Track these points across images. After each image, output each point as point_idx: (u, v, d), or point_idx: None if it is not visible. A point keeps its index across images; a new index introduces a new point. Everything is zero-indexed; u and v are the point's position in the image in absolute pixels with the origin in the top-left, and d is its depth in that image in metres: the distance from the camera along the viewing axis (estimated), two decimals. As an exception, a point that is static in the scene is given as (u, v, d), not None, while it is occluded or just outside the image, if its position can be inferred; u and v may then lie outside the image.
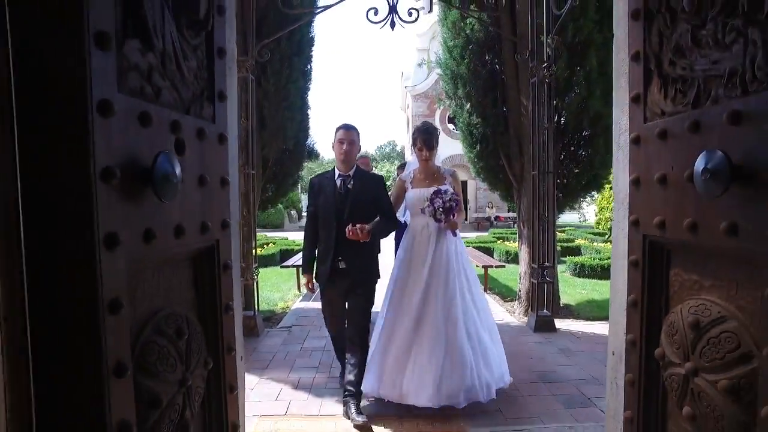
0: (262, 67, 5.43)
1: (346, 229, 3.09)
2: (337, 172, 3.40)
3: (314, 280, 3.63)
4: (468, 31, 6.13)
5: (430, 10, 4.59)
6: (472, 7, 5.90)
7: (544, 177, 5.38)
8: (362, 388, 3.45)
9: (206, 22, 1.77)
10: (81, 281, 1.19)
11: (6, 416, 1.10)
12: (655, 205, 1.89)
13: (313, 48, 6.46)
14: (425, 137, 3.47)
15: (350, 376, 3.39)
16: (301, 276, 3.70)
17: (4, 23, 1.08)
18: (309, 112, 6.47)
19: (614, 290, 2.28)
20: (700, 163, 1.53)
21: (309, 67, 6.41)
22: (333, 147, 3.38)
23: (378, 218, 3.33)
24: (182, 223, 1.61)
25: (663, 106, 1.86)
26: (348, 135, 3.33)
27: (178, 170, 1.47)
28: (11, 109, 1.11)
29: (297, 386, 3.95)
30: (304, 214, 4.16)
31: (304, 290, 6.93)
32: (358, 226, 3.08)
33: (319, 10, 5.34)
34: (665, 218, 1.83)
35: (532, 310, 5.46)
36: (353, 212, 3.25)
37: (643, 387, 2.04)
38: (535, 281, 5.36)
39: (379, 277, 3.49)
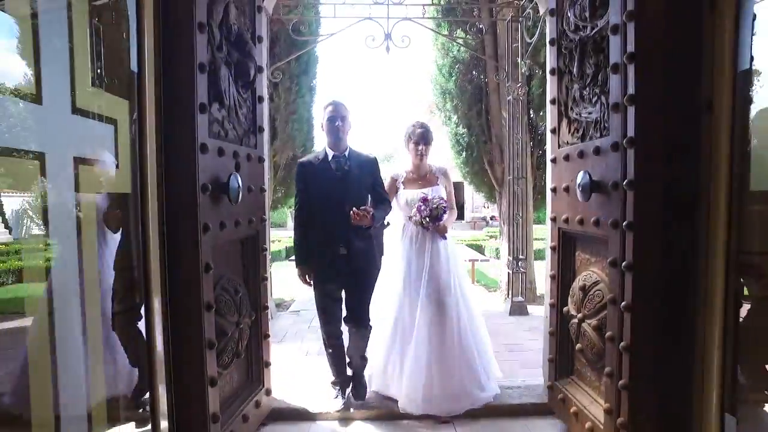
0: (274, 85, 6.24)
1: (351, 213, 2.77)
2: (330, 153, 2.99)
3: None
4: (455, 52, 6.97)
5: (407, 45, 5.31)
6: (458, 32, 6.72)
7: (519, 182, 6.18)
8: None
9: (253, 82, 2.59)
10: (191, 251, 2.01)
11: (155, 331, 1.89)
12: (563, 206, 2.71)
13: (317, 66, 7.30)
14: (422, 131, 3.30)
15: (355, 366, 3.22)
16: (296, 269, 3.14)
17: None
18: (314, 122, 7.28)
19: (546, 270, 3.08)
20: (578, 179, 2.35)
21: (314, 83, 7.24)
22: (322, 127, 3.02)
23: (373, 200, 3.12)
24: (239, 218, 2.43)
25: (567, 138, 2.68)
26: (338, 110, 2.97)
27: (240, 184, 2.28)
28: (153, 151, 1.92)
29: (308, 353, 4.73)
30: None
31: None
32: (363, 208, 2.82)
33: (322, 38, 6.12)
34: (568, 216, 2.64)
35: (508, 296, 6.27)
36: (352, 195, 2.93)
37: (558, 336, 2.86)
38: (510, 272, 6.17)
39: (379, 269, 3.21)
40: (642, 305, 2.01)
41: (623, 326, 2.08)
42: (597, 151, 2.27)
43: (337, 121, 2.95)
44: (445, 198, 3.29)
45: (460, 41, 6.79)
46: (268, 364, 2.90)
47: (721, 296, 1.78)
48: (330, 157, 3.00)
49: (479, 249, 12.97)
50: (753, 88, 1.72)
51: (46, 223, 1.39)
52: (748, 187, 1.71)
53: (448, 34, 6.98)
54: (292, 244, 3.04)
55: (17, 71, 1.29)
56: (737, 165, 1.73)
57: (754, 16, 1.67)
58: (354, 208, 2.80)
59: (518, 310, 6.00)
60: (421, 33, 6.62)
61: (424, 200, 3.16)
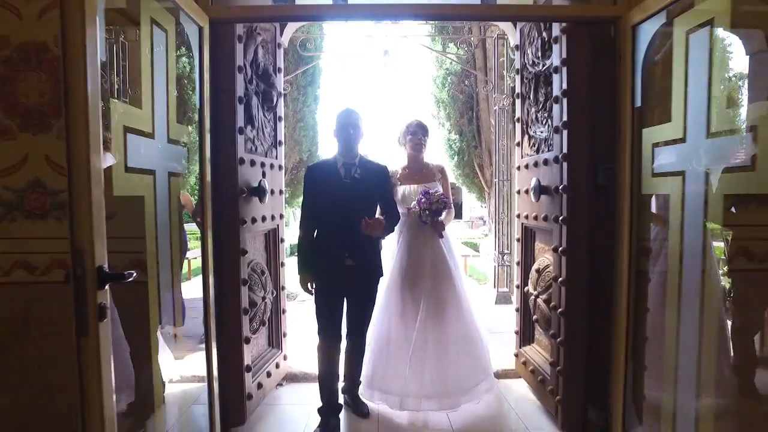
0: (283, 96, 6.90)
1: (363, 222, 2.69)
2: (340, 160, 2.88)
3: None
4: (448, 65, 7.61)
5: (385, 65, 5.90)
6: (451, 46, 7.36)
7: (504, 184, 6.81)
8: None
9: (276, 106, 3.23)
10: (233, 239, 2.65)
11: (210, 300, 2.52)
12: (525, 205, 3.34)
13: (322, 77, 7.95)
14: (417, 122, 3.26)
15: (347, 378, 3.15)
16: (298, 275, 2.94)
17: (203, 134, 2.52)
18: (319, 129, 7.95)
19: (513, 258, 3.71)
20: (531, 183, 2.99)
21: (319, 93, 7.89)
22: (334, 134, 2.92)
23: (382, 212, 3.02)
24: (265, 214, 3.07)
25: (527, 150, 3.32)
26: (351, 118, 2.88)
27: (266, 187, 2.92)
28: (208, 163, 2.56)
29: (316, 333, 5.37)
30: None
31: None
32: (375, 219, 2.77)
33: (326, 53, 6.76)
34: (528, 213, 3.28)
35: (495, 287, 6.90)
36: (361, 204, 2.83)
37: (522, 312, 3.49)
38: (497, 265, 6.81)
39: (381, 275, 3.08)
40: (574, 280, 2.65)
41: (561, 297, 2.72)
42: (545, 162, 2.91)
43: (349, 128, 2.85)
44: (446, 197, 3.18)
45: (452, 56, 7.44)
46: (285, 334, 3.54)
47: (627, 271, 2.42)
48: (340, 164, 2.88)
49: (474, 246, 13.61)
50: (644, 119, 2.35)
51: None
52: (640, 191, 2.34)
53: (442, 49, 7.63)
54: (297, 242, 2.96)
55: (145, 119, 1.93)
56: (636, 176, 2.36)
57: (644, 66, 2.30)
58: (366, 218, 2.72)
59: (503, 299, 6.64)
60: (417, 48, 7.27)
61: (426, 193, 3.06)
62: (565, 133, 2.61)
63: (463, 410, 3.04)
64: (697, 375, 2.03)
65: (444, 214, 3.16)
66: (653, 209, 2.41)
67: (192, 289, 3.40)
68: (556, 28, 2.69)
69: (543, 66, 2.99)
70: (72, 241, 1.45)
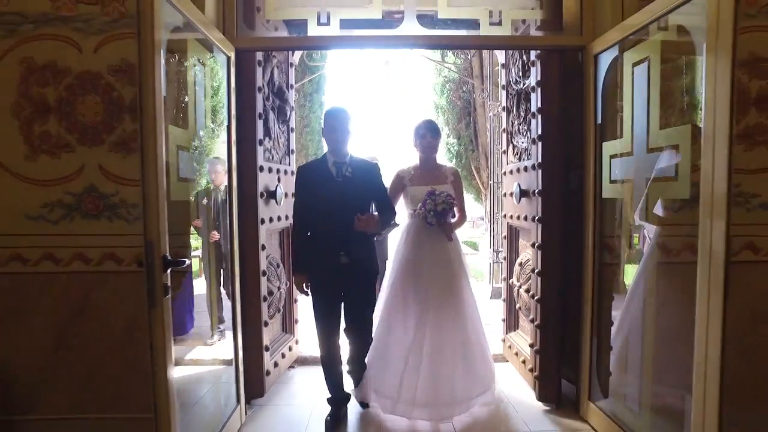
0: (289, 102, 7.39)
1: (356, 218, 2.71)
2: (330, 159, 2.89)
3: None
4: (446, 73, 8.03)
5: (387, 74, 6.29)
6: (450, 54, 7.79)
7: (498, 186, 7.22)
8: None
9: (289, 119, 3.66)
10: (254, 236, 3.08)
11: (237, 288, 2.95)
12: (510, 207, 3.76)
13: (326, 85, 8.39)
14: (428, 122, 3.18)
15: (354, 365, 3.14)
16: (293, 276, 3.19)
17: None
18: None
19: (501, 254, 4.13)
20: (514, 188, 3.41)
21: (324, 99, 8.32)
22: (323, 133, 2.93)
23: (377, 210, 3.01)
24: (279, 214, 3.50)
25: (511, 158, 3.73)
26: (338, 116, 2.87)
27: (281, 191, 3.35)
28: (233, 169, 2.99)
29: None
30: None
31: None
32: (367, 214, 2.77)
33: (331, 63, 7.20)
34: (512, 213, 3.70)
35: (490, 283, 7.32)
36: (354, 202, 2.83)
37: (508, 302, 3.91)
38: (491, 262, 7.22)
39: (378, 273, 3.09)
40: (548, 272, 3.07)
41: (538, 286, 3.13)
42: (525, 169, 3.33)
43: (338, 127, 2.86)
44: (454, 197, 3.07)
45: (450, 64, 7.86)
46: (297, 321, 3.97)
47: (591, 263, 2.83)
48: (330, 163, 2.90)
49: (474, 246, 14.03)
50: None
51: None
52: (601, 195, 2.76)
53: (440, 58, 8.05)
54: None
55: (189, 138, 2.36)
56: (598, 182, 2.78)
57: (604, 89, 2.72)
58: (358, 215, 2.74)
59: (497, 294, 7.06)
60: (417, 57, 7.70)
61: (431, 194, 2.97)
62: (540, 144, 3.03)
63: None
64: (639, 352, 2.46)
65: (453, 216, 3.10)
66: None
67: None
68: (533, 54, 3.11)
69: (524, 84, 3.41)
70: (144, 237, 1.86)
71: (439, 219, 2.98)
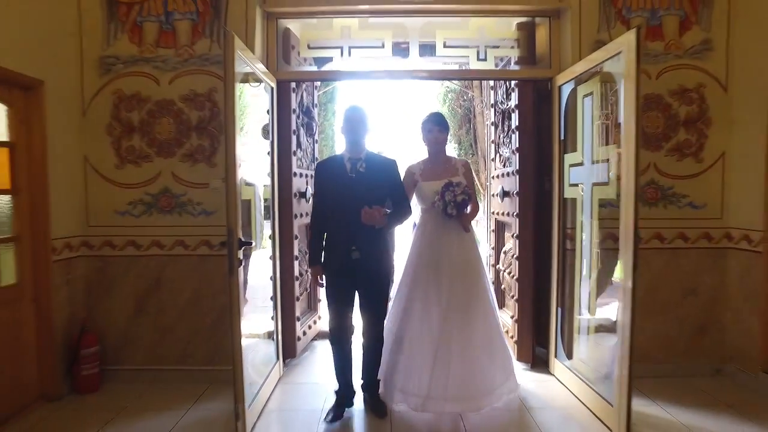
0: (305, 111, 8.21)
1: (362, 211, 2.76)
2: (347, 156, 2.97)
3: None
4: (447, 83, 8.78)
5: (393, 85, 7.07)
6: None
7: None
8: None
9: (314, 133, 4.45)
10: (289, 228, 3.86)
11: (277, 269, 3.72)
12: (496, 205, 4.52)
13: (338, 94, 9.16)
14: (436, 118, 3.17)
15: (368, 373, 3.11)
16: (309, 268, 3.47)
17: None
18: (336, 138, 9.12)
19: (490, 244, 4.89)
20: (498, 189, 4.17)
21: (336, 108, 9.07)
22: (342, 130, 2.99)
23: (392, 204, 3.00)
24: (307, 211, 4.28)
25: (498, 165, 4.49)
26: (356, 114, 2.95)
27: (310, 192, 4.13)
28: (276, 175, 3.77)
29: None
30: None
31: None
32: (374, 207, 2.78)
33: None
34: (498, 210, 4.45)
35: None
36: (366, 197, 2.85)
37: (496, 284, 4.66)
38: (488, 255, 8.01)
39: (391, 268, 3.15)
40: (524, 256, 3.82)
41: (516, 268, 3.89)
42: (508, 174, 4.09)
43: (354, 123, 2.93)
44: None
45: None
46: (319, 300, 4.74)
47: (557, 248, 3.58)
48: (346, 159, 2.97)
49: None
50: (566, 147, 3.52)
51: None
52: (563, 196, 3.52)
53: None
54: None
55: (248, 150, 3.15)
56: (562, 185, 3.53)
57: (566, 112, 3.46)
58: (365, 207, 2.77)
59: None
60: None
61: (449, 185, 2.95)
62: (518, 155, 3.78)
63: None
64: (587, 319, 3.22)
65: (469, 208, 3.08)
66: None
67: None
68: (512, 82, 3.87)
69: (506, 105, 4.17)
70: (227, 224, 2.62)
71: (458, 210, 2.97)
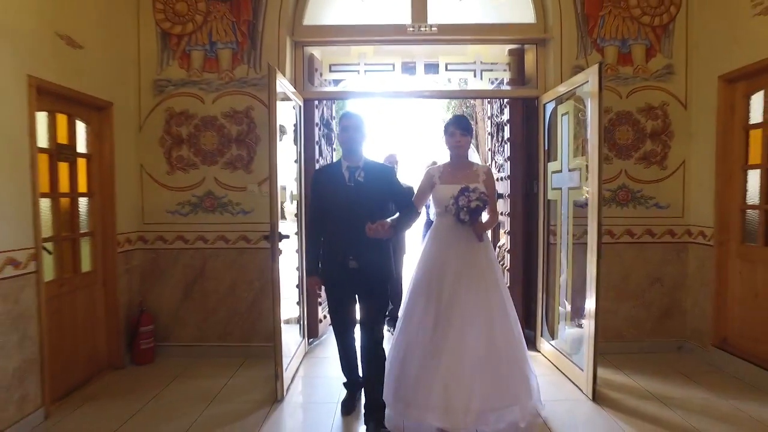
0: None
1: (366, 227, 2.65)
2: (344, 164, 2.92)
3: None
4: (451, 91, 9.45)
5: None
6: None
7: (494, 188, 8.64)
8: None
9: (333, 143, 5.07)
10: (312, 225, 4.49)
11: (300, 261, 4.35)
12: (493, 205, 5.13)
13: (347, 105, 9.75)
14: (457, 120, 3.06)
15: (369, 393, 2.96)
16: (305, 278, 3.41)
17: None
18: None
19: (488, 241, 5.49)
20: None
21: (346, 114, 9.66)
22: (338, 137, 2.96)
23: (397, 212, 2.92)
24: (327, 211, 4.91)
25: (494, 171, 5.10)
26: (352, 121, 2.90)
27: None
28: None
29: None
30: None
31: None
32: (378, 222, 2.67)
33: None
34: (494, 210, 5.06)
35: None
36: (366, 207, 2.80)
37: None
38: (489, 253, 8.68)
39: (391, 276, 3.06)
40: (515, 250, 4.43)
41: (508, 260, 4.50)
42: (502, 179, 4.70)
43: (350, 131, 2.89)
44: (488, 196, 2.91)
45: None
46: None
47: (543, 242, 4.19)
48: (344, 168, 2.92)
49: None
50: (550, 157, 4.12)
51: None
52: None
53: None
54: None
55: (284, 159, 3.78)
56: (546, 189, 4.13)
57: (549, 126, 4.07)
58: (369, 223, 2.65)
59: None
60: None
61: (465, 189, 2.81)
62: (509, 162, 4.39)
63: None
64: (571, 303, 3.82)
65: (485, 216, 2.94)
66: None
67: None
68: (505, 100, 4.48)
69: (500, 119, 4.78)
70: (270, 221, 3.24)
71: (471, 216, 2.81)
